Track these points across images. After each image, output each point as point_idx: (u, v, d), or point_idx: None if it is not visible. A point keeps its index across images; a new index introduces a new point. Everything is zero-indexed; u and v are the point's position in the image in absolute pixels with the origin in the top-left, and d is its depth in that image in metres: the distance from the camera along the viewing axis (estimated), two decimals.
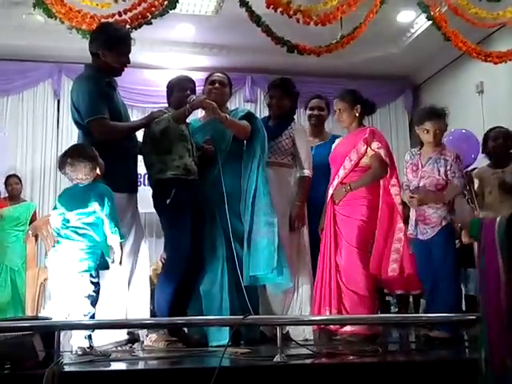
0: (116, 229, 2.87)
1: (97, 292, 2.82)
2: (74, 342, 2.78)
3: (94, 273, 2.82)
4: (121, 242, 2.91)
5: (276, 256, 3.26)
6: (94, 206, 2.84)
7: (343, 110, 3.69)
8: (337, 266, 3.52)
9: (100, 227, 2.89)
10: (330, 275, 3.50)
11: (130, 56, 3.35)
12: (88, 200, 2.85)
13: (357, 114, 3.67)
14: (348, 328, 3.41)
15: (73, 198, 2.91)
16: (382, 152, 3.55)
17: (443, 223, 3.41)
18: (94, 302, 2.80)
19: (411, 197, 3.51)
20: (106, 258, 2.88)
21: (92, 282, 2.80)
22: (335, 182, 3.64)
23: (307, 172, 3.73)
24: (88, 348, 2.72)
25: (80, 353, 2.70)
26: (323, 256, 3.57)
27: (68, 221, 2.86)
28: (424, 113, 3.63)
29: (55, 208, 2.98)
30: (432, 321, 3.36)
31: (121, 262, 2.90)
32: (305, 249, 3.70)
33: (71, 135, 6.93)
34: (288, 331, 3.43)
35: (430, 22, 5.52)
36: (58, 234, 2.90)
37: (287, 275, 3.35)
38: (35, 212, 6.06)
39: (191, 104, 3.27)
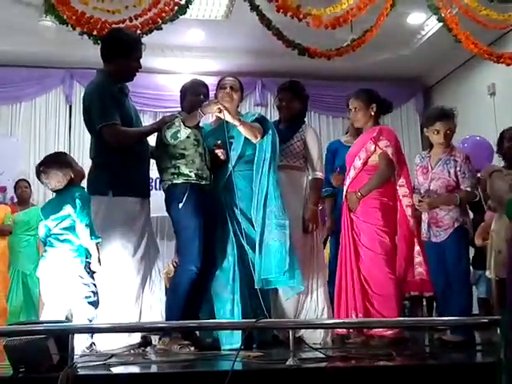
0: (87, 230, 2.87)
1: (93, 292, 2.83)
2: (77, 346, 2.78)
3: (83, 275, 2.83)
4: (97, 244, 2.90)
5: (288, 258, 3.25)
6: (68, 209, 2.88)
7: (358, 109, 3.64)
8: (359, 269, 3.44)
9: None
10: (352, 279, 3.42)
11: (141, 61, 3.37)
12: (62, 204, 2.89)
13: (372, 113, 3.61)
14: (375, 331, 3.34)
15: (50, 206, 3.01)
16: (390, 150, 3.49)
17: (455, 225, 3.39)
18: (93, 302, 2.81)
19: (420, 201, 3.48)
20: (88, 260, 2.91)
21: (84, 284, 2.82)
22: (347, 182, 3.61)
23: (319, 174, 3.73)
24: (88, 348, 2.73)
25: (81, 352, 2.70)
26: (343, 261, 3.51)
27: (50, 229, 2.91)
28: (434, 114, 3.62)
29: (41, 220, 3.05)
30: (446, 324, 3.33)
31: (100, 262, 2.89)
32: (319, 251, 3.70)
33: (83, 141, 6.99)
34: (302, 334, 3.42)
35: (441, 24, 5.50)
36: (43, 243, 2.95)
37: (299, 278, 3.33)
38: None
39: (203, 108, 3.28)
